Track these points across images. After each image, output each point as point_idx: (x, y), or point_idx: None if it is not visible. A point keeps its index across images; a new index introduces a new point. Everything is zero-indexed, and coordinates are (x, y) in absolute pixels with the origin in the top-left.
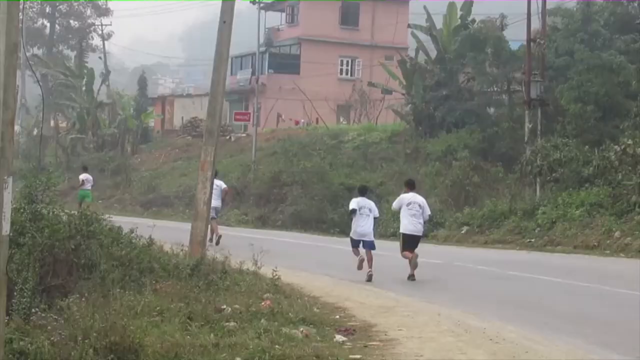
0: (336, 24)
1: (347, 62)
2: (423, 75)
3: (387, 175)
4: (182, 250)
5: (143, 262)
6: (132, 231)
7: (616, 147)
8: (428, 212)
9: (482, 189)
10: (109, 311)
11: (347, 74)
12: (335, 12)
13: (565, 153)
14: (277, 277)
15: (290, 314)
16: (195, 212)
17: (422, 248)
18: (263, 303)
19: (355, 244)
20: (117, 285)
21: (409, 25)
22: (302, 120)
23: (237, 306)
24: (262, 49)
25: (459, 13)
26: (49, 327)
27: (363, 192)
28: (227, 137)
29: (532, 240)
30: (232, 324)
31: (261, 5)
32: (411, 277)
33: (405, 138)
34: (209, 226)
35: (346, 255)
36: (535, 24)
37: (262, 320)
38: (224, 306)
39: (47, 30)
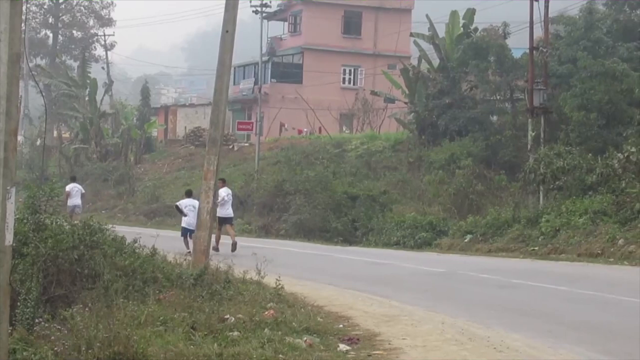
0: (339, 32)
1: (350, 70)
2: (426, 84)
3: (390, 184)
4: (185, 259)
5: (146, 272)
6: (135, 241)
7: (619, 154)
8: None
9: (486, 197)
10: (112, 321)
11: (349, 82)
12: (338, 21)
13: (568, 161)
14: (280, 286)
15: (293, 323)
16: (198, 222)
17: (425, 257)
18: (266, 312)
19: (184, 232)
20: (121, 295)
21: (411, 34)
22: (305, 129)
23: (240, 316)
24: (265, 58)
25: (462, 21)
26: (52, 337)
27: (189, 194)
28: (230, 147)
29: (536, 248)
30: (235, 333)
31: (264, 14)
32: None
33: (408, 146)
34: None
35: (349, 264)
36: (538, 32)
37: (266, 330)
38: (228, 316)
39: (50, 41)
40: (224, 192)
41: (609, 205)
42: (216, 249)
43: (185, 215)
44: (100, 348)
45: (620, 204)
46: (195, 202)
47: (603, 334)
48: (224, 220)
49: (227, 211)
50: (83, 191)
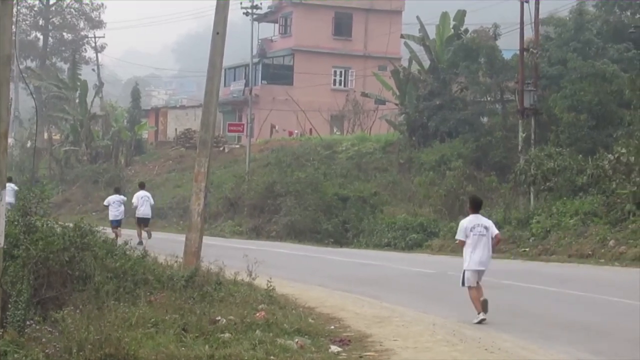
0: (329, 34)
1: (340, 72)
2: (416, 85)
3: (380, 185)
4: (176, 261)
5: (137, 274)
6: (126, 243)
7: (610, 155)
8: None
9: None
10: (103, 323)
11: (340, 84)
12: (328, 23)
13: (559, 162)
14: (271, 287)
15: (285, 324)
16: (189, 224)
17: (416, 258)
18: (258, 314)
19: (113, 224)
20: (112, 297)
21: (402, 36)
22: (296, 131)
23: (231, 317)
24: (255, 60)
25: (452, 23)
26: (43, 340)
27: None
28: (221, 148)
29: (527, 249)
30: (226, 335)
31: (254, 16)
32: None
33: (398, 148)
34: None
35: (340, 266)
36: (528, 33)
37: (257, 332)
38: (219, 317)
39: (40, 43)
40: (141, 195)
41: (599, 206)
42: (140, 242)
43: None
44: (91, 350)
45: (611, 205)
46: (121, 198)
47: (594, 335)
48: (141, 220)
49: (144, 212)
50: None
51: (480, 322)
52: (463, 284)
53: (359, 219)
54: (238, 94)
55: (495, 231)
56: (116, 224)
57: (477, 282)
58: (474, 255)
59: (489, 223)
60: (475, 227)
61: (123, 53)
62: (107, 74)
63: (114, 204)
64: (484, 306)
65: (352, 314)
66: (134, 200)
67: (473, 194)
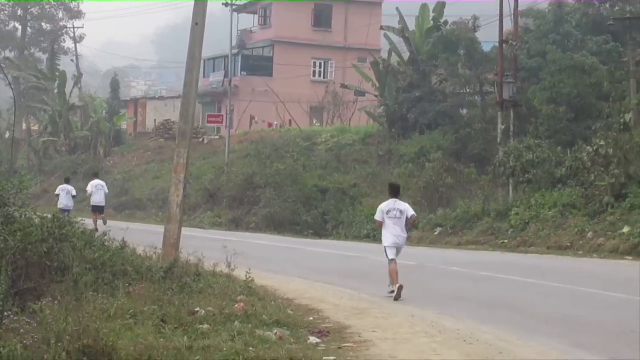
0: (309, 26)
1: (320, 64)
2: (396, 77)
3: (360, 177)
4: (155, 253)
5: (116, 265)
6: (105, 234)
7: (588, 148)
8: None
9: (456, 190)
10: (82, 314)
11: (320, 76)
12: (308, 15)
13: (538, 154)
14: (250, 279)
15: (264, 316)
16: (168, 215)
17: None
18: (237, 305)
19: (95, 209)
20: (90, 289)
21: (381, 27)
22: (275, 123)
23: (210, 309)
24: (235, 51)
25: (432, 15)
26: (21, 331)
27: (96, 175)
28: (200, 140)
29: (506, 241)
30: (205, 326)
31: (234, 7)
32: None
33: (378, 140)
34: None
35: (320, 257)
36: (508, 26)
37: (236, 323)
38: (198, 309)
39: (19, 33)
40: (95, 183)
41: (578, 198)
42: (95, 229)
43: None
44: (69, 341)
45: (589, 197)
46: (70, 188)
47: (573, 327)
48: (96, 208)
49: (98, 200)
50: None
51: (393, 292)
52: (387, 257)
53: (339, 211)
54: (217, 85)
55: (410, 213)
56: (65, 212)
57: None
58: (388, 235)
59: (405, 207)
60: (392, 210)
61: (102, 44)
62: (86, 64)
63: (63, 193)
64: (399, 292)
65: (332, 306)
66: (88, 188)
67: (391, 181)
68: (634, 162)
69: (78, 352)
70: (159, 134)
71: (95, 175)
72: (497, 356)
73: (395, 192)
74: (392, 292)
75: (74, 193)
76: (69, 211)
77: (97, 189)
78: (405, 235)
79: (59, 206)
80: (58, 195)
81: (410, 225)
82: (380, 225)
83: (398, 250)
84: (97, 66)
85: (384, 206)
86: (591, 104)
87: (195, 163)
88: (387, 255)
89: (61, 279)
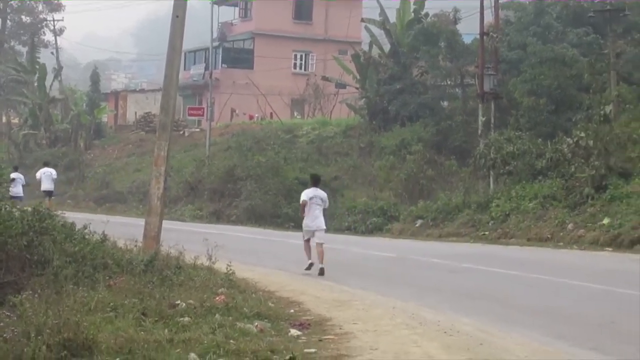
0: (289, 18)
1: (301, 56)
2: (377, 69)
3: (341, 169)
4: (135, 245)
5: (97, 258)
6: (85, 227)
7: (569, 139)
8: None
9: (436, 182)
10: (62, 307)
11: (300, 68)
12: (289, 7)
13: (518, 146)
14: (231, 272)
15: (244, 308)
16: (148, 208)
17: (376, 241)
18: (217, 298)
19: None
20: (71, 282)
21: (362, 20)
22: (256, 115)
23: (191, 301)
24: (216, 43)
25: (412, 7)
26: (1, 324)
27: (46, 164)
28: (181, 132)
29: (486, 233)
30: (186, 319)
31: None
32: None
33: (359, 132)
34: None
35: (301, 250)
36: (488, 18)
37: (217, 316)
38: (178, 301)
39: None
40: (44, 171)
41: (558, 189)
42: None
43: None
44: (49, 334)
45: (570, 189)
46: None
47: (553, 318)
48: (46, 193)
49: (46, 186)
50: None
51: (310, 267)
52: (303, 237)
53: None
54: (198, 77)
55: (327, 202)
56: (16, 199)
57: (312, 240)
58: (307, 219)
59: (325, 196)
60: (314, 197)
61: (82, 36)
62: (66, 57)
63: (44, 176)
64: (310, 266)
65: (312, 298)
66: (37, 175)
67: (313, 172)
68: (614, 153)
69: (58, 346)
70: (139, 127)
71: (45, 164)
72: (478, 347)
73: (316, 181)
74: (310, 265)
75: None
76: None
77: (45, 177)
78: (322, 219)
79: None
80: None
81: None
82: (304, 206)
83: (316, 232)
84: (77, 59)
85: (308, 192)
86: (571, 95)
87: (176, 156)
88: (303, 235)
89: (41, 272)
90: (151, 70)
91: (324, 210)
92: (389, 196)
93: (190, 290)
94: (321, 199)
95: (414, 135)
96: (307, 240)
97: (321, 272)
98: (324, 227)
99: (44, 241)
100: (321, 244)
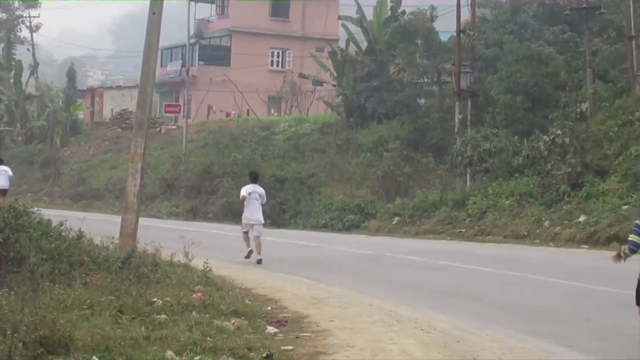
0: (266, 15)
1: (278, 53)
2: (354, 67)
3: (318, 167)
4: (112, 243)
5: (73, 255)
6: (61, 224)
7: (545, 137)
8: None
9: (413, 179)
10: (38, 305)
11: (277, 65)
12: (266, 4)
13: (495, 143)
14: (208, 269)
15: (221, 306)
16: (125, 205)
17: (353, 239)
18: (194, 295)
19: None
20: (47, 279)
21: (339, 17)
22: (233, 112)
23: (168, 299)
24: (192, 40)
25: (389, 4)
26: None
27: (1, 161)
28: (158, 129)
29: (463, 230)
30: (163, 316)
31: None
32: None
33: (336, 129)
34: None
35: (277, 247)
36: (465, 16)
37: (194, 313)
38: (155, 299)
39: None
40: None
41: (534, 187)
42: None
43: None
44: (26, 332)
45: (546, 186)
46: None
47: (529, 315)
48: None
49: (1, 184)
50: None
51: (249, 254)
52: (242, 228)
53: (297, 200)
54: (175, 74)
55: (265, 197)
56: (2, 192)
57: (250, 233)
58: (247, 212)
59: (262, 192)
60: (253, 193)
61: (59, 33)
62: (42, 54)
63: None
64: (249, 254)
65: (290, 295)
66: None
67: (251, 169)
68: (590, 151)
69: (35, 343)
70: (116, 124)
71: (0, 161)
72: (455, 344)
73: (254, 178)
74: (249, 253)
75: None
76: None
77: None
78: (261, 213)
79: None
80: None
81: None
82: (243, 201)
83: (254, 225)
84: (54, 55)
85: (247, 188)
86: (548, 93)
87: (153, 153)
88: (243, 227)
89: (17, 269)
90: (128, 67)
91: (262, 205)
92: (366, 193)
93: (167, 287)
94: (259, 194)
95: (390, 132)
96: (246, 232)
97: (259, 262)
98: (262, 222)
99: (20, 238)
100: (258, 237)
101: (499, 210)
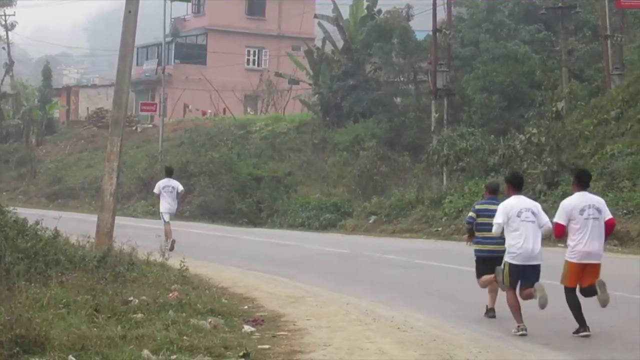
0: (242, 14)
1: (254, 52)
2: (330, 66)
3: (295, 165)
4: (88, 242)
5: (49, 254)
6: (37, 223)
7: (521, 136)
8: None
9: (390, 178)
10: (14, 304)
11: (254, 64)
12: (242, 2)
13: (471, 142)
14: (185, 268)
15: (198, 305)
16: (101, 204)
17: (330, 237)
18: (171, 294)
19: None
20: (23, 278)
21: (315, 16)
22: (209, 111)
23: (144, 298)
24: (168, 39)
25: (365, 3)
26: None
27: None
28: (134, 128)
29: (439, 229)
30: (139, 315)
31: None
32: None
33: (312, 128)
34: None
35: (254, 246)
36: (441, 14)
37: (170, 312)
38: (131, 298)
39: None
40: None
41: None
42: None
43: None
44: (1, 331)
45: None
46: None
47: (506, 314)
48: None
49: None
50: None
51: (172, 245)
52: (163, 220)
53: (273, 199)
54: (151, 73)
55: (180, 188)
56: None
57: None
58: (164, 203)
59: (176, 184)
60: (167, 186)
61: (34, 31)
62: (17, 52)
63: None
64: (172, 245)
65: (266, 294)
66: None
67: (166, 165)
68: (566, 150)
69: (10, 342)
70: (91, 122)
71: None
72: (431, 343)
73: (169, 173)
74: (168, 247)
75: None
76: None
77: None
78: (175, 205)
79: None
80: None
81: (180, 199)
82: (158, 196)
83: (170, 215)
84: (29, 54)
85: (161, 183)
86: (524, 92)
87: (129, 151)
88: (163, 219)
89: None
90: (103, 65)
91: (178, 195)
92: (342, 192)
93: (143, 286)
94: (173, 187)
95: (367, 131)
96: (168, 223)
97: (172, 247)
98: (174, 212)
99: None
100: (168, 223)
101: None
